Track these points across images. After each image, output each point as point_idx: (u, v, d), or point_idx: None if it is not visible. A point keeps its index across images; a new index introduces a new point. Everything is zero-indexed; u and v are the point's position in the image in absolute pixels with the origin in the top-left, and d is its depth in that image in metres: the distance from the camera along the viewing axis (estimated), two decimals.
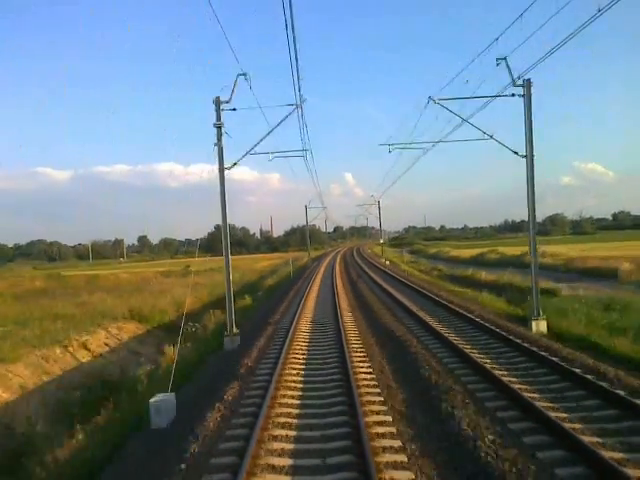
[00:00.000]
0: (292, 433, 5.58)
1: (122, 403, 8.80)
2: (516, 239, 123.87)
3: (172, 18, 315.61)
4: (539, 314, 12.33)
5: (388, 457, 4.81)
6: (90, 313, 19.10)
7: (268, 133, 12.26)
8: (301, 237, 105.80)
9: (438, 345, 9.77)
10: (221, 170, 11.88)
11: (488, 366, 7.76)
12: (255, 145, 12.18)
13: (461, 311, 13.40)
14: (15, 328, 16.26)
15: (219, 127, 11.56)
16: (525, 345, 9.15)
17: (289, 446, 5.23)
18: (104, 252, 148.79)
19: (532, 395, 6.43)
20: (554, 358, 8.10)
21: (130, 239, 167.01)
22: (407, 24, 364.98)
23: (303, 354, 9.47)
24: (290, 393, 6.98)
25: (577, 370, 7.35)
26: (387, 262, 42.94)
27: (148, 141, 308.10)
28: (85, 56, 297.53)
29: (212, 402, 6.76)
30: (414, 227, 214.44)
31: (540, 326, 12.15)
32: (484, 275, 29.90)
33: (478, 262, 45.61)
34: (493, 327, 11.07)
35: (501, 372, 7.51)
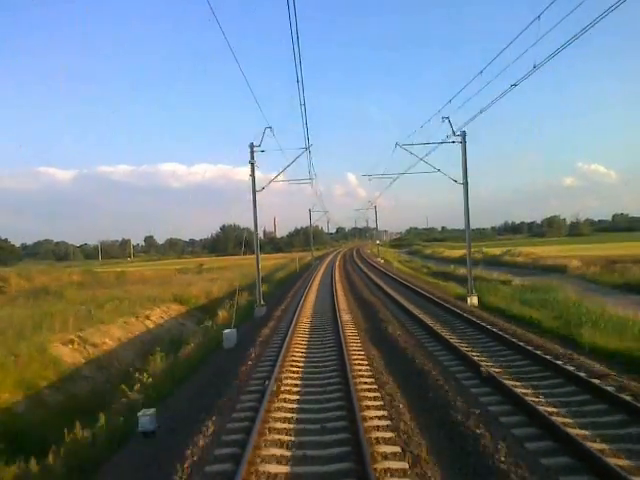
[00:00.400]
0: (307, 336, 11.38)
1: (198, 342, 14.53)
2: (512, 240, 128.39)
3: (175, 18, 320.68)
4: (472, 292, 18.08)
5: (351, 341, 10.55)
6: (141, 297, 24.87)
7: (284, 169, 17.30)
8: (304, 238, 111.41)
9: (395, 307, 15.55)
10: (254, 192, 17.65)
11: (418, 314, 13.54)
12: (276, 176, 17.34)
13: (422, 292, 19.11)
14: (92, 306, 22.03)
15: (252, 164, 17.31)
16: (450, 307, 14.87)
17: (306, 338, 11.03)
18: (112, 252, 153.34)
19: (437, 327, 12.13)
20: (459, 310, 13.85)
21: (135, 239, 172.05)
22: (412, 24, 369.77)
23: (310, 312, 15.25)
24: (304, 326, 12.77)
25: (472, 317, 13.06)
26: (382, 260, 48.67)
27: (151, 141, 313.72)
28: (87, 55, 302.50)
29: (263, 327, 12.59)
30: (415, 228, 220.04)
31: (473, 300, 17.83)
32: (462, 271, 35.63)
33: (464, 261, 51.35)
34: (440, 301, 16.72)
35: (424, 317, 13.27)
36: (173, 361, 11.74)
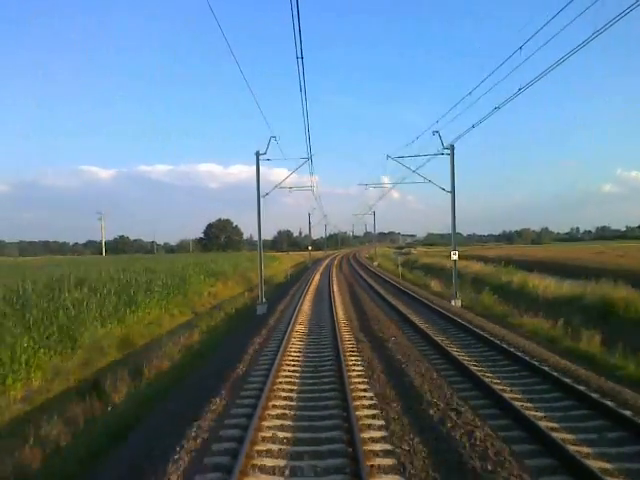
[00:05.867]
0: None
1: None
2: (470, 246, 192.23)
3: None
4: (374, 259, 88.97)
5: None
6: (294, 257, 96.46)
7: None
8: (335, 241, 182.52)
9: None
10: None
11: (352, 260, 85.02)
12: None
13: (358, 257, 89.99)
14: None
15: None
16: (363, 263, 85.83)
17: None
18: (187, 247, 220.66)
19: (359, 267, 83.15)
20: (367, 265, 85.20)
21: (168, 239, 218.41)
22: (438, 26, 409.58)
23: (326, 264, 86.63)
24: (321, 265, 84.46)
25: (368, 265, 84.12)
26: (366, 255, 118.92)
27: (189, 141, 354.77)
28: (133, 56, 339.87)
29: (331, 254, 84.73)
30: (432, 233, 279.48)
31: (374, 263, 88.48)
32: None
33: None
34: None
35: (355, 264, 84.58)
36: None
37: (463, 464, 5.70)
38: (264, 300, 22.92)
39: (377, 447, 6.22)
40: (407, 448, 6.16)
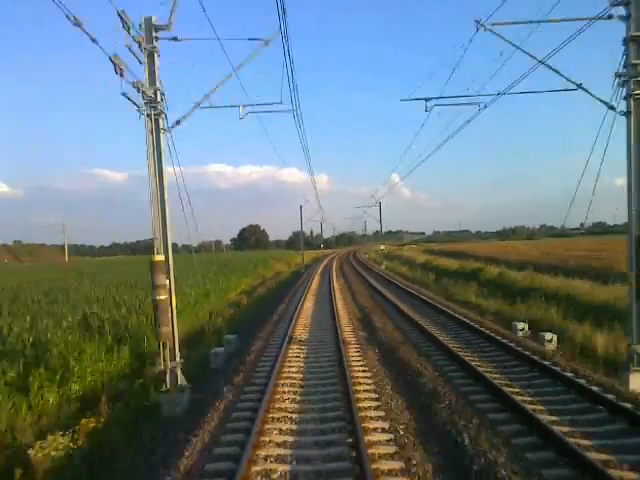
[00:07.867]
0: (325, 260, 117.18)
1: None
2: (478, 242, 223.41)
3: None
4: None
5: (333, 270, 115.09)
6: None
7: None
8: (344, 240, 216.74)
9: (348, 261, 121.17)
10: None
11: (342, 254, 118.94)
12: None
13: (358, 257, 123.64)
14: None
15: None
16: (359, 258, 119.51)
17: (326, 264, 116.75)
18: (210, 249, 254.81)
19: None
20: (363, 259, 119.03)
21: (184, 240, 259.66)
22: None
23: (332, 257, 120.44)
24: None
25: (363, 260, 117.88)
26: (365, 251, 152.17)
27: (198, 142, 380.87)
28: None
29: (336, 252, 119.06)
30: (437, 231, 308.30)
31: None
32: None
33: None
34: (364, 261, 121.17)
35: (353, 263, 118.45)
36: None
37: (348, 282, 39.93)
38: (304, 266, 57.24)
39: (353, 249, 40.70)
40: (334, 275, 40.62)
